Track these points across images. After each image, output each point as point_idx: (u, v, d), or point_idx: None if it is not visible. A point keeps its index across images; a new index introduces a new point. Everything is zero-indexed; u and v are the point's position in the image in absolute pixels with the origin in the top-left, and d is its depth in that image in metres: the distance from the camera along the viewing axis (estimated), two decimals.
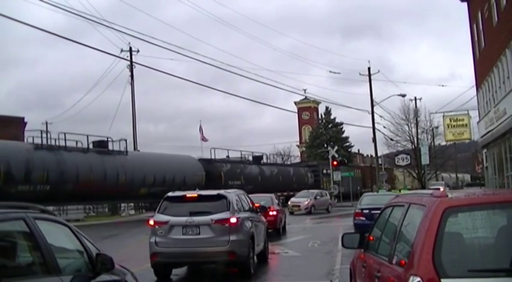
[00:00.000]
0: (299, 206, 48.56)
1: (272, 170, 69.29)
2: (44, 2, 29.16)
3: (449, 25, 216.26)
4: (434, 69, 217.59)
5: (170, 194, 18.23)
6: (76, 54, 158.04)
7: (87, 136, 42.62)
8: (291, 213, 45.79)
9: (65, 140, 40.30)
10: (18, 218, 6.85)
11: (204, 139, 69.82)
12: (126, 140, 46.36)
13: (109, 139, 44.70)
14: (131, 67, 59.80)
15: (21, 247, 7.08)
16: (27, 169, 36.00)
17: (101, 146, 43.83)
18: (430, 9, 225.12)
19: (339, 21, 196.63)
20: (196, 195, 17.27)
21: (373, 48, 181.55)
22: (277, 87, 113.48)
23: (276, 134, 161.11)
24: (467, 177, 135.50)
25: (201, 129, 70.64)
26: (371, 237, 8.74)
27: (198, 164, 54.82)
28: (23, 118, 38.96)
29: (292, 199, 51.46)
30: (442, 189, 41.76)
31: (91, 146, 43.01)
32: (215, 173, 56.17)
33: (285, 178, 70.24)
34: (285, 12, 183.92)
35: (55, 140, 39.85)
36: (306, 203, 49.21)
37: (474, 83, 47.61)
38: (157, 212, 16.79)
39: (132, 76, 59.96)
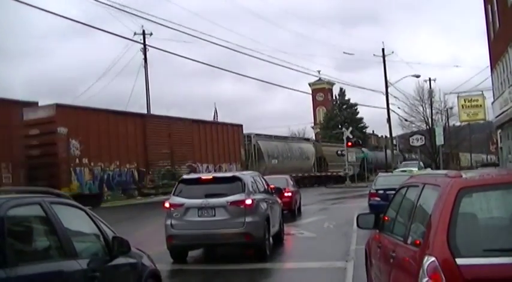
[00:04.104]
0: None
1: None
2: None
3: (464, 6, 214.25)
4: (448, 51, 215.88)
5: (185, 176, 18.30)
6: (89, 43, 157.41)
7: None
8: None
9: None
10: (35, 202, 6.91)
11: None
12: None
13: None
14: (144, 50, 59.61)
15: (38, 231, 7.15)
16: None
17: None
18: None
19: (350, 5, 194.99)
20: (211, 177, 17.34)
21: (386, 31, 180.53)
22: (290, 68, 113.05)
23: (290, 117, 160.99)
24: (483, 158, 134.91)
25: (216, 112, 70.56)
26: (386, 218, 8.77)
27: None
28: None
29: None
30: (414, 171, 41.46)
31: None
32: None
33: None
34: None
35: None
36: None
37: (489, 64, 47.40)
38: (173, 195, 16.84)
39: (145, 59, 59.84)
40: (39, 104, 37.80)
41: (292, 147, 68.66)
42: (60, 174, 35.70)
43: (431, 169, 56.89)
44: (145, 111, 53.92)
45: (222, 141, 53.38)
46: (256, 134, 63.47)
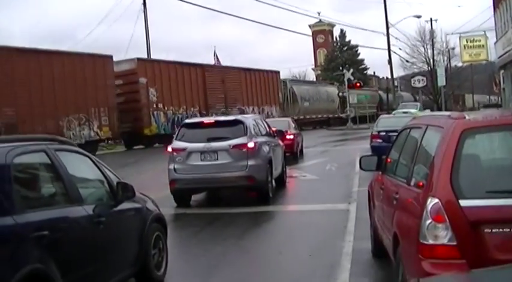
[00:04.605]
0: None
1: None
2: None
3: None
4: None
5: (187, 120, 18.31)
6: None
7: None
8: None
9: None
10: (39, 150, 6.96)
11: (219, 64, 69.55)
12: None
13: None
14: None
15: (44, 178, 7.23)
16: None
17: None
18: None
19: None
20: (213, 121, 17.33)
21: None
22: (289, 10, 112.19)
23: (290, 59, 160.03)
24: (487, 98, 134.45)
25: (215, 54, 70.16)
26: (388, 160, 8.79)
27: None
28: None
29: None
30: (412, 111, 41.61)
31: None
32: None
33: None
34: None
35: None
36: None
37: (491, 3, 47.00)
38: (175, 139, 16.87)
39: (144, 3, 59.32)
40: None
41: (320, 91, 73.17)
42: (142, 117, 43.03)
43: (431, 111, 56.79)
44: (146, 56, 54.35)
45: (263, 86, 60.52)
46: (291, 80, 71.99)
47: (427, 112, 46.37)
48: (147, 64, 45.00)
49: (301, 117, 64.10)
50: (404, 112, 36.86)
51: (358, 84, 68.88)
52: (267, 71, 63.10)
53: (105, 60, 40.42)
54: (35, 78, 33.91)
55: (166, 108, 45.47)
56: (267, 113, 57.58)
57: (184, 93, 47.81)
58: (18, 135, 7.86)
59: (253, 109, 55.62)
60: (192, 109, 48.32)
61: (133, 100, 42.86)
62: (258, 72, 60.96)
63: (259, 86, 59.60)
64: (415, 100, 77.90)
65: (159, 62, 47.06)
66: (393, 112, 46.92)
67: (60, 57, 36.70)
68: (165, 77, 45.43)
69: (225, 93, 53.18)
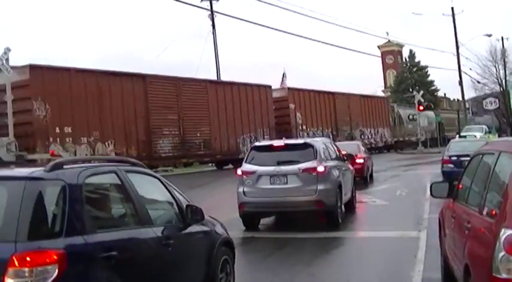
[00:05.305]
0: None
1: None
2: None
3: None
4: None
5: (257, 143, 18.40)
6: (157, 11, 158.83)
7: None
8: None
9: None
10: (110, 171, 7.06)
11: (285, 85, 69.55)
12: None
13: None
14: (212, 16, 59.71)
15: (114, 199, 7.32)
16: None
17: None
18: None
19: None
20: (283, 144, 17.29)
21: None
22: (358, 30, 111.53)
23: (359, 80, 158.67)
24: None
25: (284, 76, 70.21)
26: (460, 186, 8.63)
27: None
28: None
29: None
30: (477, 136, 40.71)
31: None
32: None
33: None
34: None
35: None
36: None
37: None
38: (245, 162, 16.91)
39: (213, 25, 59.91)
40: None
41: (420, 114, 72.74)
42: (290, 137, 42.27)
43: (497, 134, 55.26)
44: (215, 77, 56.39)
45: (377, 111, 66.21)
46: (397, 104, 76.73)
47: (490, 136, 45.77)
48: (295, 92, 51.88)
49: (406, 138, 69.95)
50: (462, 136, 36.18)
51: (421, 108, 67.87)
52: (379, 97, 72.70)
53: (267, 89, 49.04)
54: (222, 104, 43.16)
55: (308, 129, 52.20)
56: (381, 134, 65.91)
57: (321, 116, 54.95)
58: (92, 156, 7.94)
59: (370, 131, 63.46)
60: (326, 130, 54.85)
61: (285, 122, 50.10)
62: (372, 98, 68.93)
63: (374, 110, 65.56)
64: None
65: (303, 90, 53.49)
66: (458, 135, 46.35)
67: (236, 87, 45.48)
68: (307, 102, 52.95)
69: (350, 116, 59.98)
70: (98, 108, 33.66)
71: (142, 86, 37.04)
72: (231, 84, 45.93)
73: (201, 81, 43.30)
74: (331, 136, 51.20)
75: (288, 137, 41.31)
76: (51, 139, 30.82)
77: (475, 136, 39.73)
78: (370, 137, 63.23)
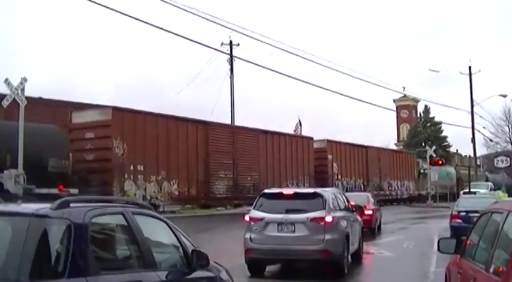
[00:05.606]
0: None
1: None
2: None
3: None
4: None
5: (266, 190, 18.32)
6: (177, 52, 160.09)
7: None
8: None
9: None
10: (117, 212, 7.01)
11: (300, 133, 69.75)
12: None
13: None
14: (231, 60, 60.17)
15: (120, 241, 7.27)
16: None
17: None
18: None
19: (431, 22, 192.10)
20: (292, 192, 17.32)
21: (472, 46, 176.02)
22: (374, 84, 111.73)
23: (372, 131, 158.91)
24: None
25: (300, 123, 70.44)
26: (468, 242, 8.61)
27: None
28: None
29: None
30: (482, 192, 41.29)
31: None
32: None
33: None
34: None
35: None
36: None
37: None
38: (253, 208, 16.91)
39: (231, 69, 60.38)
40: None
41: (442, 169, 76.05)
42: (328, 185, 47.20)
43: (502, 191, 55.67)
44: (230, 121, 58.16)
45: (404, 165, 71.39)
46: (422, 159, 78.18)
47: (497, 193, 46.11)
48: (333, 144, 56.16)
49: (429, 191, 69.96)
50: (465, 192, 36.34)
51: (440, 162, 68.09)
52: (407, 152, 76.99)
53: (309, 141, 53.15)
54: (270, 152, 47.03)
55: (342, 178, 56.41)
56: (406, 186, 70.62)
57: (354, 167, 59.38)
58: (100, 196, 7.89)
59: (396, 183, 68.32)
60: (358, 180, 59.66)
61: (323, 171, 53.47)
62: (401, 153, 75.71)
63: (402, 164, 70.75)
64: (487, 180, 76.67)
65: (340, 143, 58.10)
66: (462, 192, 46.72)
67: (282, 137, 49.94)
68: (343, 154, 57.51)
69: (379, 168, 64.38)
70: (166, 149, 36.77)
71: (204, 132, 40.68)
72: (278, 134, 50.14)
73: (253, 130, 46.83)
74: (362, 186, 58.37)
75: (323, 186, 42.92)
76: (126, 175, 33.83)
77: (480, 192, 40.57)
78: (396, 188, 68.08)
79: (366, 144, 64.52)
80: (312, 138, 53.84)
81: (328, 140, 56.25)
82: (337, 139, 58.65)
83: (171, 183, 37.05)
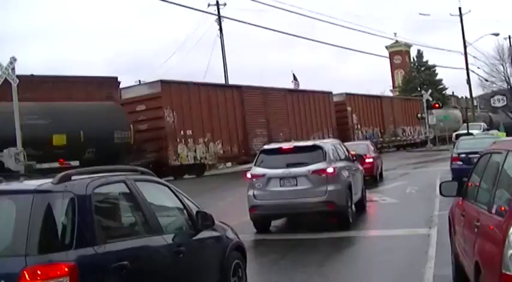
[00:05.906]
0: None
1: None
2: None
3: None
4: None
5: (266, 146, 18.33)
6: (161, 18, 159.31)
7: None
8: None
9: None
10: (119, 181, 7.07)
11: (298, 87, 69.54)
12: None
13: None
14: (219, 21, 59.89)
15: (124, 209, 7.34)
16: None
17: None
18: None
19: None
20: (292, 146, 17.30)
21: None
22: (365, 32, 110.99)
23: (367, 80, 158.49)
24: None
25: (294, 77, 70.27)
26: (469, 184, 8.64)
27: None
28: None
29: None
30: (475, 132, 41.83)
31: None
32: None
33: None
34: None
35: None
36: None
37: None
38: (254, 165, 16.94)
39: (220, 30, 60.17)
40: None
41: (449, 113, 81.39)
42: (349, 135, 55.01)
43: (499, 131, 55.66)
44: (223, 82, 57.88)
45: (413, 110, 73.49)
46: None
47: (493, 131, 46.51)
48: (351, 97, 60.02)
49: (439, 134, 73.11)
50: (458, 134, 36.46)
51: (436, 105, 68.18)
52: (416, 99, 77.47)
53: (329, 95, 56.31)
54: (296, 109, 50.44)
55: (361, 128, 60.50)
56: (418, 131, 73.64)
57: (371, 117, 63.11)
58: (100, 166, 7.95)
59: (409, 128, 72.15)
60: (375, 129, 63.55)
61: (343, 123, 57.47)
62: (410, 100, 78.27)
63: (412, 111, 73.10)
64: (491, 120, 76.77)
65: (357, 95, 62.25)
66: (454, 134, 47.12)
67: (306, 94, 52.94)
68: (360, 106, 61.26)
69: (393, 116, 68.00)
70: (208, 114, 40.68)
71: (239, 95, 44.39)
72: (302, 92, 54.81)
73: (280, 90, 51.01)
74: (379, 134, 63.75)
75: (346, 137, 47.18)
76: (178, 140, 37.99)
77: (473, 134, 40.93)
78: (409, 134, 71.89)
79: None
80: (331, 93, 56.95)
81: (346, 93, 59.87)
82: (341, 91, 60.32)
83: (216, 143, 41.23)
